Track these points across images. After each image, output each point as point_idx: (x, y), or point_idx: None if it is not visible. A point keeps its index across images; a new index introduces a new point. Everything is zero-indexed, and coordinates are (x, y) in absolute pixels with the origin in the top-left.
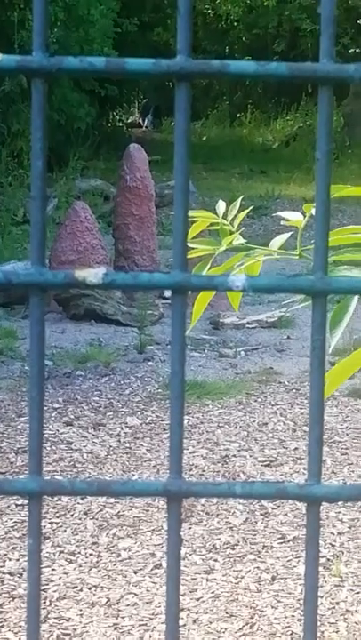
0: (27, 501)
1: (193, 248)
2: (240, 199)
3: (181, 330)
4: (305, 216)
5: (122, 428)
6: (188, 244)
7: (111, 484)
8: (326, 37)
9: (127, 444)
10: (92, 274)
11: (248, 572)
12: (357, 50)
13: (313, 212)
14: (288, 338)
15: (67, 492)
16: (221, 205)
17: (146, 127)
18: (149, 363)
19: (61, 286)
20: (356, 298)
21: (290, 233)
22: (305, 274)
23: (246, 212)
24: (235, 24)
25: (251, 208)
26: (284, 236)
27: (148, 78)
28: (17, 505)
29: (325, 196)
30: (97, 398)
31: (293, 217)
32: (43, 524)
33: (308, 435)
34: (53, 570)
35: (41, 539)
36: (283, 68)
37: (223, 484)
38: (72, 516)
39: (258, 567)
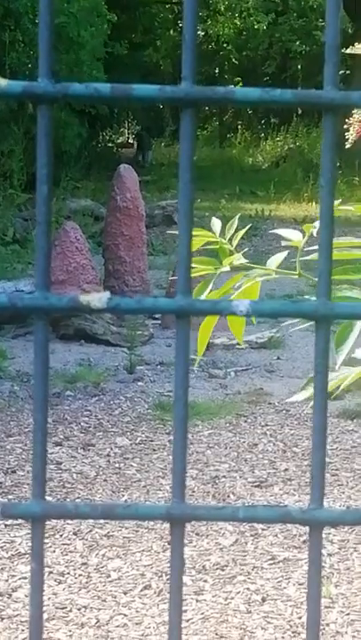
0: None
1: (193, 267)
2: (237, 217)
3: (185, 354)
4: (304, 235)
5: (111, 449)
6: None
7: (115, 508)
8: (331, 65)
9: (117, 465)
10: (97, 298)
11: (238, 593)
12: (347, 72)
13: (313, 231)
14: (278, 359)
15: (71, 516)
16: (217, 223)
17: (145, 162)
18: (139, 383)
19: (66, 310)
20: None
21: (286, 252)
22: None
23: (245, 230)
24: (225, 45)
25: (249, 227)
26: (281, 255)
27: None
28: (6, 525)
29: (329, 221)
30: (86, 418)
31: (293, 236)
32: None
33: (311, 459)
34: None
35: (44, 562)
36: (288, 95)
37: (227, 508)
38: (61, 536)
39: (248, 588)
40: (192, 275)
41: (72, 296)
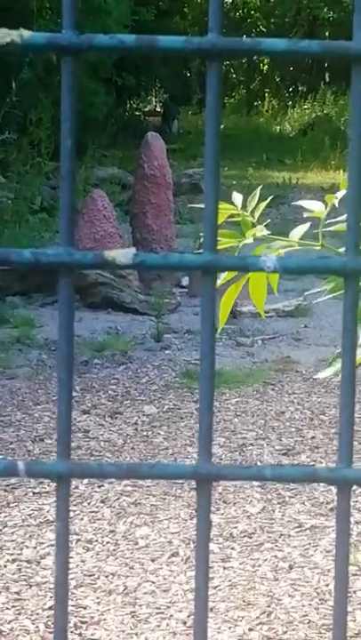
0: (43, 490)
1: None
2: (259, 189)
3: (211, 311)
4: (326, 206)
5: (139, 417)
6: None
7: (140, 467)
8: (360, 14)
9: (144, 433)
10: (122, 254)
11: (265, 560)
12: None
13: (335, 202)
14: (305, 327)
15: (95, 475)
16: (237, 197)
17: (170, 131)
18: (166, 351)
19: (90, 267)
20: None
21: (309, 223)
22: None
23: (266, 203)
24: (252, 12)
25: (271, 198)
26: (303, 227)
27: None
28: (34, 493)
29: (358, 176)
30: (114, 387)
31: (315, 207)
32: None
33: (338, 417)
34: (70, 557)
35: (69, 521)
36: (315, 46)
37: (253, 468)
38: (89, 504)
39: (275, 556)
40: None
41: (97, 252)
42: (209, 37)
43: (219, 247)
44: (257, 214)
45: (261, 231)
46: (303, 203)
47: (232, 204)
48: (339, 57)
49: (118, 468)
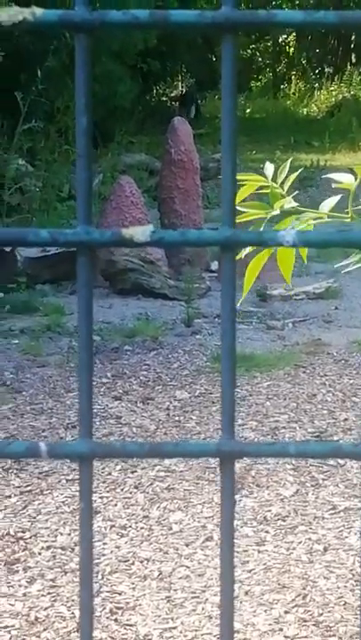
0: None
1: (243, 212)
2: (289, 161)
3: (232, 287)
4: (356, 178)
5: (171, 402)
6: (238, 208)
7: (163, 446)
8: None
9: (176, 418)
10: (140, 232)
11: (300, 543)
12: None
13: None
14: (336, 309)
15: (118, 454)
16: (269, 168)
17: (189, 116)
18: (197, 336)
19: (109, 244)
20: None
21: (340, 196)
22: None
23: (296, 174)
24: None
25: (301, 170)
26: (334, 199)
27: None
28: (67, 480)
29: None
30: (145, 372)
31: (344, 179)
32: (93, 498)
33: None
34: (105, 544)
35: (92, 503)
36: (331, 17)
37: (277, 444)
38: (122, 490)
39: (309, 538)
40: (243, 219)
41: (114, 230)
42: (223, 10)
43: (243, 218)
44: (287, 186)
45: (290, 203)
46: (333, 175)
47: (263, 175)
48: (355, 27)
49: (141, 447)
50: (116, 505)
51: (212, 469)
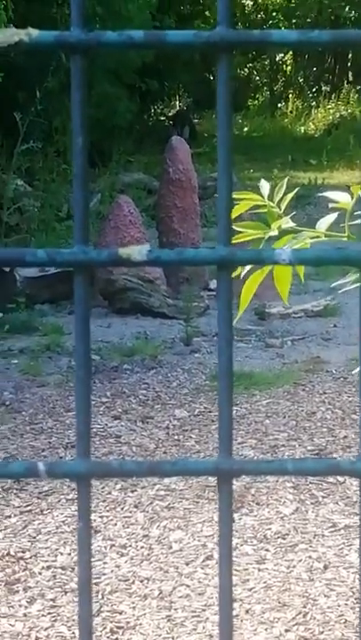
0: (76, 497)
1: (239, 232)
2: (286, 180)
3: (228, 306)
4: (353, 197)
5: (170, 421)
6: (236, 229)
7: (161, 465)
8: None
9: (176, 437)
10: (137, 251)
11: (300, 561)
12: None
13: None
14: (334, 326)
15: (116, 474)
16: (265, 185)
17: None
18: (196, 355)
19: (106, 264)
20: None
21: (336, 214)
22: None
23: (293, 194)
24: (274, 14)
25: (298, 188)
26: (331, 217)
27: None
28: (67, 500)
29: None
30: (144, 391)
31: (341, 198)
32: (93, 517)
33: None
34: (105, 563)
35: (91, 522)
36: (325, 36)
37: (275, 462)
38: (122, 509)
39: (310, 556)
40: (240, 239)
41: (111, 250)
42: (218, 30)
43: (240, 239)
44: (283, 206)
45: (287, 223)
46: (329, 194)
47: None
48: (350, 45)
49: (139, 466)
50: (115, 524)
51: (211, 488)
